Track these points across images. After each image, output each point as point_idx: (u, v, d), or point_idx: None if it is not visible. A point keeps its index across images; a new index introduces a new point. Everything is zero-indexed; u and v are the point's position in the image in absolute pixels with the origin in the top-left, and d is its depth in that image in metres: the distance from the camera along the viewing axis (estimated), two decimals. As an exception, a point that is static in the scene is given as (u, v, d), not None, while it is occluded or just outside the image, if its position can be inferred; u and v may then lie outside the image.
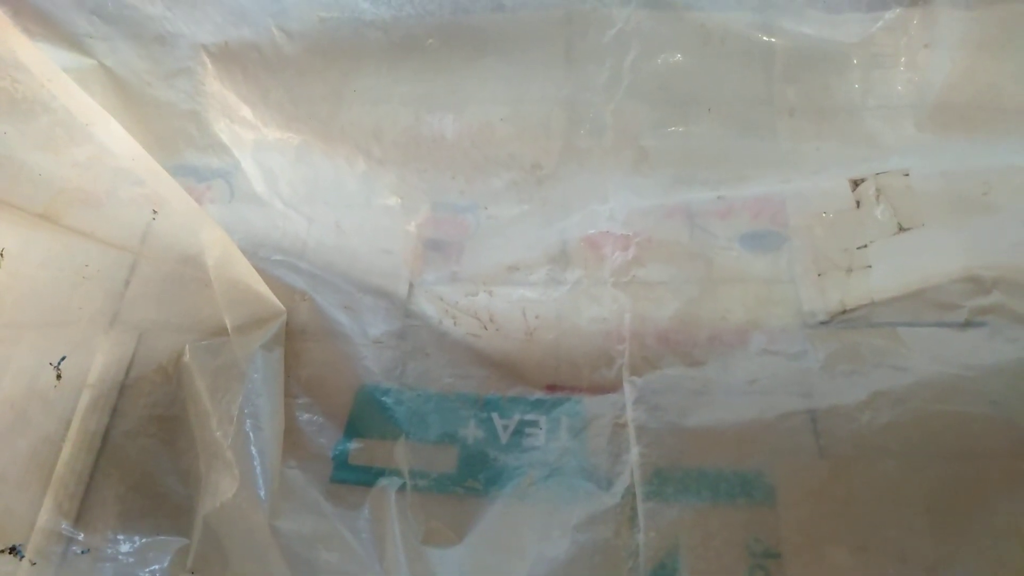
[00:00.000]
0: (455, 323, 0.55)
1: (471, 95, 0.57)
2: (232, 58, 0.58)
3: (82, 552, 0.50)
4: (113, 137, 0.52)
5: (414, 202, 0.57)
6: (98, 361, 0.55)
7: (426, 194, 0.58)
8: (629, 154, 0.54)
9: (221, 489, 0.47)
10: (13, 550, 0.48)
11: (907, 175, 0.52)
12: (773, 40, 0.55)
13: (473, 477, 0.50)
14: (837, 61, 0.55)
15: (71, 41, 0.60)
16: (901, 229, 0.51)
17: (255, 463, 0.48)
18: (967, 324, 0.48)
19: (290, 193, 0.60)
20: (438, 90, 0.57)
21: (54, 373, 0.53)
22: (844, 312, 0.51)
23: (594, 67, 0.56)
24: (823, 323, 0.51)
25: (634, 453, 0.48)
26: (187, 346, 0.54)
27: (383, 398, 0.53)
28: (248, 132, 0.60)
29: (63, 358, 0.53)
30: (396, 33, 0.55)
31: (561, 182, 0.56)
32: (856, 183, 0.53)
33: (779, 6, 0.55)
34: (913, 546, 0.44)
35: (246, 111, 0.59)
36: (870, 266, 0.51)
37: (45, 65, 0.50)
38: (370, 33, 0.55)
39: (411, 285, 0.57)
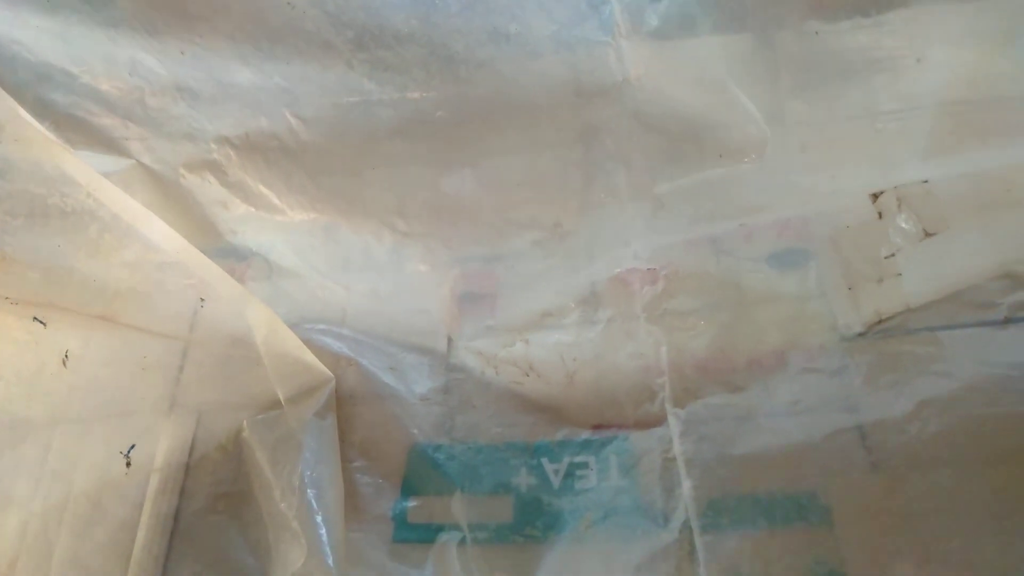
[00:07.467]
0: (497, 372, 0.56)
1: (486, 163, 0.59)
2: (254, 148, 0.60)
3: (165, 632, 0.52)
4: (157, 234, 0.55)
5: (443, 267, 0.59)
6: (162, 445, 0.57)
7: (454, 259, 0.60)
8: (647, 204, 0.55)
9: (290, 560, 0.48)
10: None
11: (926, 182, 0.52)
12: (776, 56, 0.55)
13: (531, 525, 0.50)
14: (843, 74, 0.54)
15: (109, 144, 0.64)
16: (927, 235, 0.51)
17: (320, 531, 0.49)
18: (1007, 321, 0.48)
19: (325, 267, 0.62)
20: (453, 160, 0.59)
21: (124, 461, 0.56)
22: (880, 322, 0.51)
23: (603, 126, 0.57)
24: (860, 335, 0.51)
25: (686, 487, 0.49)
26: (244, 422, 0.56)
27: (435, 455, 0.54)
28: (276, 215, 0.62)
29: (132, 446, 0.56)
30: (405, 109, 0.56)
31: (583, 236, 0.57)
32: (875, 196, 0.53)
33: (777, 23, 0.55)
34: (979, 554, 0.43)
35: (272, 197, 0.62)
36: (900, 274, 0.51)
37: (89, 174, 0.53)
38: (380, 112, 0.57)
39: (449, 340, 0.58)
